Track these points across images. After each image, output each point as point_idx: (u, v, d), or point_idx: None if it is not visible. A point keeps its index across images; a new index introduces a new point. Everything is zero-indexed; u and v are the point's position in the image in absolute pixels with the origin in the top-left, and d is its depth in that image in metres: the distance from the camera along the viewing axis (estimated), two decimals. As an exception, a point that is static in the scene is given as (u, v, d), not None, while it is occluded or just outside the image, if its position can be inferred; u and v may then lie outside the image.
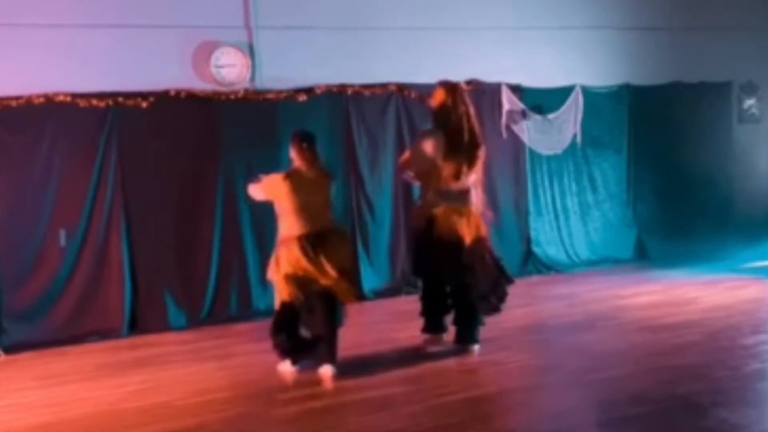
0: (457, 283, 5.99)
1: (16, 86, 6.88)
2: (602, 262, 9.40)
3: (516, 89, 8.93)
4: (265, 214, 5.81)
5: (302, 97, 7.90)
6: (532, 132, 9.03)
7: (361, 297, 8.06)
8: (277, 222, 5.68)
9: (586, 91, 9.24)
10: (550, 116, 9.07)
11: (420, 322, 6.20)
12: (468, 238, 5.93)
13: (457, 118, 5.92)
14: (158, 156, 7.39)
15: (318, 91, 7.98)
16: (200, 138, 7.54)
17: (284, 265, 5.50)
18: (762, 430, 4.20)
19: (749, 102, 10.40)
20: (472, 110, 6.04)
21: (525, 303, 7.63)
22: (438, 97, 6.03)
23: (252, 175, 5.79)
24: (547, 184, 9.24)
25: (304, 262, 5.44)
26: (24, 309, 6.99)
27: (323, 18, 8.05)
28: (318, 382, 5.46)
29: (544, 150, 9.13)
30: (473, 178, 6.02)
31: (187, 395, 5.33)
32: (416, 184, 6.35)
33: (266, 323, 5.79)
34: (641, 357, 5.63)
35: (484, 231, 6.06)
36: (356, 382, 5.40)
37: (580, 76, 9.26)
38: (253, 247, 7.63)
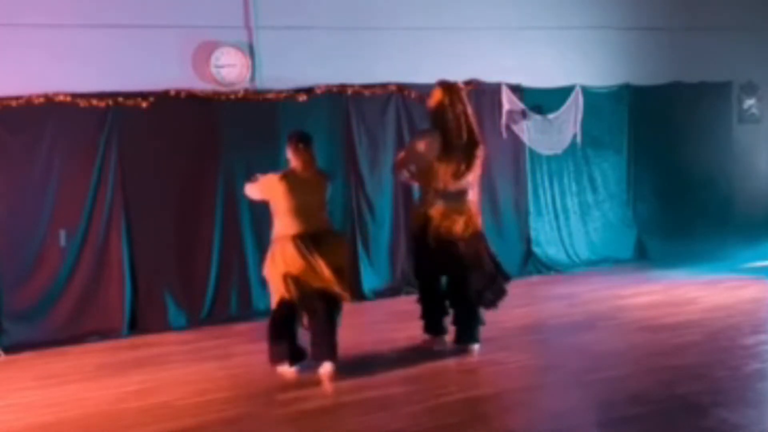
0: (455, 282, 5.99)
1: (16, 86, 6.89)
2: (602, 262, 9.40)
3: (516, 89, 8.93)
4: (265, 214, 5.80)
5: (302, 97, 7.90)
6: (532, 132, 9.03)
7: (361, 297, 8.09)
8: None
9: (586, 91, 9.25)
10: (550, 116, 9.07)
11: (419, 324, 6.19)
12: (465, 236, 5.94)
13: (454, 118, 5.92)
14: (158, 156, 7.39)
15: (318, 91, 7.98)
16: (200, 138, 7.54)
17: (280, 263, 5.51)
18: (762, 430, 4.20)
19: (749, 102, 10.40)
20: (470, 110, 6.03)
21: (525, 303, 7.64)
22: (435, 97, 6.03)
23: (251, 175, 5.80)
24: (547, 184, 9.24)
25: (299, 261, 5.44)
26: (24, 309, 7.00)
27: (323, 18, 8.05)
28: (318, 382, 5.46)
29: (544, 150, 9.13)
30: (471, 178, 6.02)
31: (187, 395, 5.33)
32: (414, 185, 6.34)
33: (266, 323, 5.79)
34: (641, 357, 5.63)
35: (479, 228, 6.06)
36: (356, 382, 5.40)
37: (580, 76, 9.26)
38: (253, 247, 7.63)
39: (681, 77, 9.80)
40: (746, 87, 10.36)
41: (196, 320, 7.49)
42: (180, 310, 7.49)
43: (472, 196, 6.07)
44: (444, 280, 6.10)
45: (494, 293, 6.03)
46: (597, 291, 8.01)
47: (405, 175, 6.22)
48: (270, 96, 7.78)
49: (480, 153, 6.02)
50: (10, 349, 6.82)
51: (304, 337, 5.70)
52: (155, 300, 7.41)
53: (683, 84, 9.81)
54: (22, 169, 6.98)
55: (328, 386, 5.38)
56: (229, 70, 7.65)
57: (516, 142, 8.99)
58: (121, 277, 7.28)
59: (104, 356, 6.61)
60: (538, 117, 9.02)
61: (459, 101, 5.97)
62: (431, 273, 6.07)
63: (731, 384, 4.98)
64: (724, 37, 9.91)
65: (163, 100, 7.37)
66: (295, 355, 5.65)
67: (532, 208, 9.13)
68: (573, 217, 9.40)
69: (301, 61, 7.94)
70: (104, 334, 7.16)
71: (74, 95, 7.07)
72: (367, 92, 8.23)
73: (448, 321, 6.14)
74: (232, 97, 7.65)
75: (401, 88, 8.33)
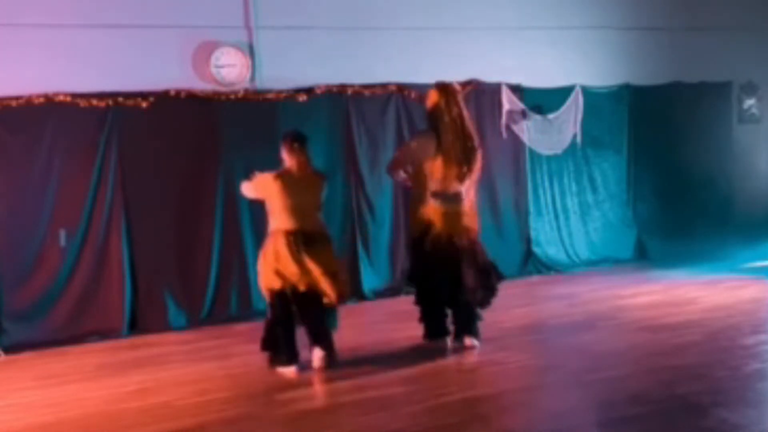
0: (452, 283, 5.98)
1: (16, 86, 6.89)
2: (602, 262, 9.40)
3: (516, 89, 8.93)
4: (264, 214, 5.81)
5: (302, 97, 7.90)
6: (532, 132, 9.03)
7: (361, 297, 8.10)
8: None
9: (586, 91, 9.25)
10: (550, 116, 9.08)
11: (419, 324, 6.18)
12: (462, 238, 5.94)
13: (450, 120, 5.92)
14: (158, 156, 7.39)
15: (318, 91, 7.98)
16: (200, 138, 7.54)
17: (271, 258, 5.54)
18: (762, 430, 4.20)
19: (749, 102, 10.40)
20: (466, 112, 6.03)
21: (525, 303, 7.64)
22: (431, 99, 6.03)
23: (251, 175, 5.81)
24: (547, 184, 9.24)
25: (287, 258, 5.47)
26: (24, 309, 6.99)
27: (323, 18, 8.05)
28: (318, 382, 5.46)
29: (544, 150, 9.13)
30: (469, 181, 6.02)
31: (187, 395, 5.33)
32: (409, 185, 6.34)
33: (263, 323, 5.82)
34: (641, 357, 5.63)
35: (476, 230, 6.07)
36: (356, 382, 5.40)
37: (580, 76, 9.26)
38: (253, 247, 7.60)
39: (681, 77, 9.81)
40: (746, 87, 10.36)
41: (196, 320, 7.50)
42: (180, 310, 7.49)
43: (469, 198, 6.07)
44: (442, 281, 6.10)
45: (488, 290, 6.06)
46: (597, 291, 8.00)
47: (401, 175, 6.22)
48: (270, 96, 7.78)
49: (478, 157, 6.03)
50: (10, 349, 6.82)
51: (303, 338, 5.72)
52: (155, 300, 7.42)
53: (683, 84, 9.81)
54: (22, 169, 6.98)
55: (327, 386, 5.38)
56: (229, 70, 7.65)
57: (516, 142, 8.99)
58: (121, 277, 7.28)
59: (104, 356, 6.60)
60: (538, 117, 9.02)
61: (455, 103, 5.98)
62: (430, 276, 6.05)
63: (731, 384, 4.98)
64: (724, 37, 9.91)
65: (163, 100, 7.37)
66: (295, 356, 5.65)
67: (532, 208, 9.13)
68: (573, 217, 9.40)
69: (301, 61, 7.94)
70: (104, 334, 7.16)
71: (74, 95, 7.08)
72: (367, 92, 8.23)
73: (448, 322, 6.15)
74: (232, 97, 7.65)
75: (401, 88, 8.33)
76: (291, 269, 5.50)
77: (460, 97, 6.07)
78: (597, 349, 5.93)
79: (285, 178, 5.57)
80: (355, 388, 5.27)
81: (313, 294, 5.58)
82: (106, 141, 7.23)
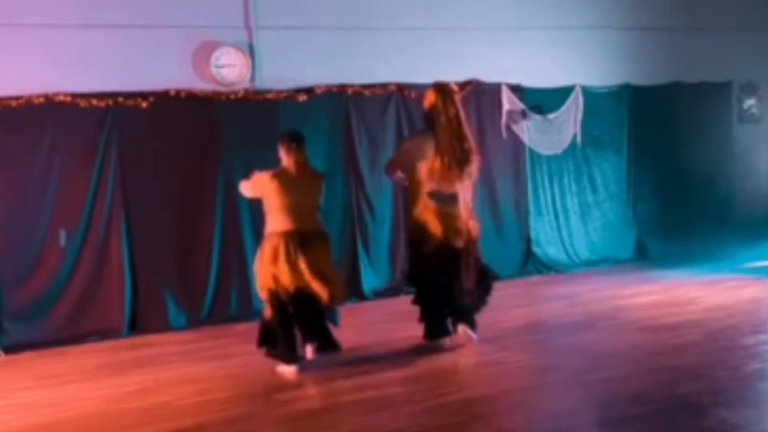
0: (450, 282, 5.98)
1: (16, 86, 6.89)
2: (602, 262, 9.40)
3: (516, 89, 8.93)
4: (264, 214, 5.82)
5: (302, 97, 7.90)
6: (532, 132, 9.03)
7: (361, 297, 8.11)
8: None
9: (586, 91, 9.25)
10: (550, 116, 9.08)
11: (419, 324, 6.18)
12: (459, 240, 5.95)
13: (447, 121, 5.93)
14: (158, 156, 7.40)
15: (318, 91, 7.98)
16: (200, 138, 7.54)
17: (268, 259, 5.55)
18: (762, 430, 4.20)
19: (749, 102, 10.40)
20: (462, 114, 6.04)
21: (525, 303, 7.65)
22: (429, 99, 6.04)
23: (250, 174, 5.82)
24: (547, 184, 9.24)
25: (283, 263, 5.48)
26: (24, 309, 7.00)
27: (323, 18, 8.05)
28: (318, 382, 5.46)
29: (544, 150, 9.13)
30: (466, 182, 6.03)
31: (187, 395, 5.33)
32: (406, 185, 6.36)
33: (260, 324, 5.83)
34: (641, 357, 5.63)
35: (475, 231, 6.08)
36: (356, 382, 5.40)
37: (580, 76, 9.26)
38: (253, 247, 7.55)
39: (681, 77, 9.81)
40: (746, 87, 10.36)
41: (196, 320, 7.50)
42: (180, 310, 7.49)
43: (466, 199, 6.08)
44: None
45: (484, 294, 6.11)
46: (597, 291, 8.00)
47: (398, 175, 6.22)
48: (270, 96, 7.78)
49: (475, 158, 6.04)
50: (10, 349, 6.82)
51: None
52: (155, 300, 7.42)
53: (683, 84, 9.81)
54: (22, 169, 6.98)
55: (327, 386, 5.38)
56: (229, 70, 7.65)
57: (516, 142, 8.99)
58: (121, 277, 7.28)
59: (104, 356, 6.61)
60: (538, 117, 9.02)
61: (452, 104, 5.98)
62: (430, 276, 6.05)
63: (731, 384, 4.98)
64: (724, 37, 9.91)
65: (163, 100, 7.37)
66: (295, 355, 5.66)
67: (532, 208, 9.13)
68: (573, 217, 9.40)
69: (301, 61, 7.94)
70: (104, 334, 7.16)
71: (74, 95, 7.08)
72: (367, 92, 8.23)
73: (448, 322, 6.15)
74: (232, 97, 7.65)
75: (401, 88, 8.33)
76: (285, 275, 5.51)
77: (457, 98, 6.08)
78: (597, 349, 5.93)
79: (282, 178, 5.58)
80: (355, 388, 5.27)
81: (309, 296, 5.57)
82: (106, 141, 7.23)
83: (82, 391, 5.61)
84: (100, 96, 7.17)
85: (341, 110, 8.14)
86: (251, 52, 7.79)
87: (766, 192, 10.44)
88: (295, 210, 5.55)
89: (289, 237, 5.52)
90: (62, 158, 7.10)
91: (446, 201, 5.96)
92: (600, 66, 9.42)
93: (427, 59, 8.27)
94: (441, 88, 6.05)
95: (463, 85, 8.56)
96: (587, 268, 9.23)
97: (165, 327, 7.34)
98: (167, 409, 5.09)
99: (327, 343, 5.71)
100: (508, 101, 8.86)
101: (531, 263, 9.10)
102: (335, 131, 8.13)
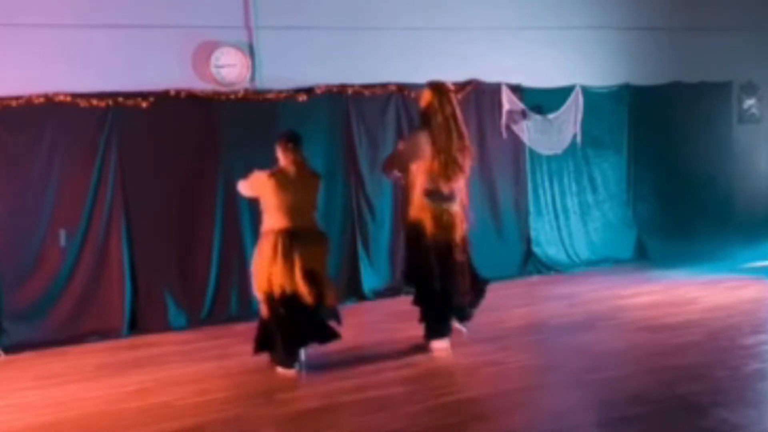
0: (449, 280, 5.99)
1: (16, 86, 6.89)
2: (602, 262, 9.40)
3: (516, 89, 8.93)
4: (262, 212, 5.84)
5: (302, 97, 7.90)
6: (532, 132, 9.03)
7: (361, 297, 8.11)
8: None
9: (586, 91, 9.25)
10: (550, 116, 9.08)
11: (419, 324, 6.18)
12: (456, 238, 5.96)
13: (444, 120, 5.94)
14: (158, 156, 7.40)
15: (318, 91, 7.98)
16: (200, 138, 7.54)
17: (265, 257, 5.59)
18: (762, 430, 4.20)
19: (749, 102, 10.40)
20: (459, 112, 6.05)
21: (525, 303, 7.65)
22: (425, 98, 6.05)
23: (250, 174, 5.83)
24: (547, 184, 9.23)
25: (280, 262, 5.50)
26: (24, 309, 6.99)
27: (323, 18, 8.05)
28: (318, 382, 5.46)
29: (544, 150, 9.13)
30: (462, 181, 6.04)
31: (187, 395, 5.34)
32: (403, 184, 6.37)
33: (258, 324, 5.83)
34: (641, 357, 5.63)
35: (466, 231, 6.09)
36: (356, 382, 5.40)
37: (580, 76, 9.26)
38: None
39: (681, 77, 9.80)
40: (746, 87, 10.36)
41: (196, 320, 7.50)
42: (180, 310, 7.49)
43: (461, 197, 6.08)
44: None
45: (478, 293, 6.12)
46: (597, 291, 8.01)
47: (395, 174, 6.23)
48: (270, 96, 7.78)
49: (470, 155, 6.05)
50: (10, 349, 6.82)
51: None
52: (155, 300, 7.42)
53: (683, 84, 9.81)
54: (22, 169, 6.97)
55: (327, 386, 5.37)
56: (229, 70, 7.65)
57: (516, 142, 8.99)
58: (121, 277, 7.28)
59: (104, 356, 6.61)
60: (538, 117, 9.02)
61: (448, 103, 5.99)
62: (429, 276, 6.05)
63: (731, 384, 4.98)
64: (724, 37, 9.91)
65: (163, 100, 7.37)
66: (294, 356, 5.66)
67: (532, 208, 9.13)
68: (573, 217, 9.40)
69: (301, 61, 7.94)
70: (104, 334, 7.16)
71: (74, 95, 7.08)
72: (367, 92, 8.23)
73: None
74: (232, 97, 7.65)
75: (401, 88, 8.32)
76: (280, 275, 5.53)
77: (453, 96, 6.09)
78: (597, 349, 5.93)
79: (279, 177, 5.61)
80: (355, 388, 5.27)
81: (298, 301, 5.59)
82: (106, 141, 7.23)
83: (82, 391, 5.61)
84: (100, 96, 7.17)
85: (341, 110, 8.14)
86: (251, 52, 7.79)
87: (766, 192, 10.44)
88: (292, 209, 5.59)
89: (285, 234, 5.55)
90: (62, 158, 7.10)
91: (444, 199, 5.97)
92: (600, 66, 9.42)
93: (427, 59, 8.27)
94: (437, 87, 6.06)
95: (463, 85, 8.57)
96: (587, 268, 9.23)
97: (165, 327, 7.34)
98: (167, 409, 5.09)
99: (326, 337, 5.73)
100: (508, 101, 8.86)
101: (531, 263, 9.10)
102: (335, 131, 8.13)
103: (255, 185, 5.73)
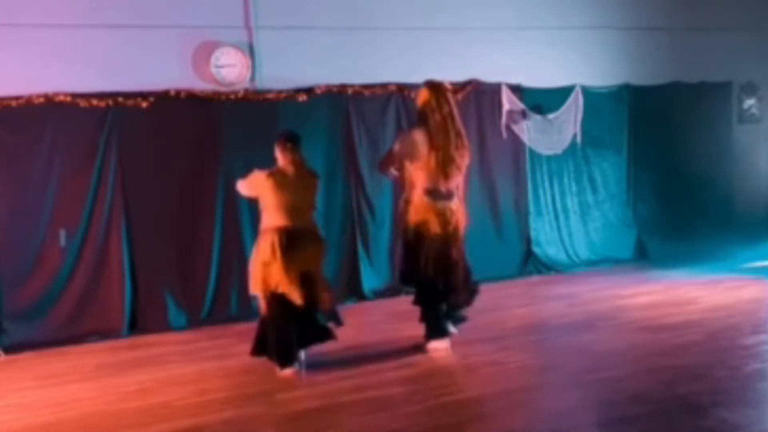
0: (448, 278, 6.00)
1: (16, 86, 6.89)
2: (602, 262, 9.39)
3: (516, 89, 8.93)
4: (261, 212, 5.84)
5: (302, 97, 7.90)
6: (532, 132, 9.03)
7: (361, 297, 8.11)
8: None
9: (586, 91, 9.25)
10: (550, 116, 9.08)
11: (419, 324, 6.17)
12: (459, 235, 5.97)
13: (441, 118, 5.94)
14: (158, 156, 7.40)
15: (318, 91, 7.98)
16: (200, 138, 7.54)
17: (264, 256, 5.60)
18: (762, 430, 4.20)
19: (749, 102, 10.40)
20: (456, 111, 6.05)
21: (525, 303, 7.65)
22: (422, 97, 6.05)
23: (250, 173, 5.84)
24: (547, 184, 9.23)
25: (278, 257, 5.51)
26: (24, 309, 6.99)
27: (323, 18, 8.05)
28: (318, 382, 5.46)
29: (544, 150, 9.13)
30: (459, 180, 6.04)
31: (187, 395, 5.34)
32: (400, 182, 6.37)
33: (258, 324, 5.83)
34: (641, 357, 5.63)
35: (463, 230, 6.10)
36: (356, 382, 5.40)
37: (580, 76, 9.26)
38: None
39: (681, 77, 9.80)
40: (746, 87, 10.36)
41: (196, 320, 7.50)
42: (180, 310, 7.49)
43: (459, 195, 6.09)
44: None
45: (472, 292, 6.13)
46: (597, 291, 8.00)
47: (392, 172, 6.22)
48: (270, 96, 7.78)
49: (467, 154, 6.05)
50: (10, 349, 6.82)
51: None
52: (155, 300, 7.42)
53: (683, 84, 9.81)
54: (22, 169, 6.98)
55: (327, 386, 5.37)
56: (229, 70, 7.65)
57: (516, 142, 8.99)
58: (121, 277, 7.28)
59: (104, 356, 6.61)
60: (538, 117, 9.02)
61: (446, 102, 5.99)
62: (430, 275, 6.05)
63: (731, 384, 4.98)
64: (724, 37, 9.91)
65: (163, 100, 7.37)
66: (293, 356, 5.67)
67: (532, 208, 9.12)
68: (573, 217, 9.40)
69: (301, 61, 7.94)
70: (104, 334, 7.16)
71: (74, 95, 7.08)
72: (367, 92, 8.23)
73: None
74: (232, 97, 7.65)
75: (401, 88, 8.32)
76: (276, 275, 5.55)
77: (450, 95, 6.10)
78: (597, 349, 5.93)
79: (277, 177, 5.63)
80: (355, 388, 5.27)
81: (290, 303, 5.60)
82: (106, 141, 7.23)
83: (82, 391, 5.61)
84: (100, 96, 7.17)
85: (341, 110, 8.14)
86: (251, 52, 7.79)
87: (766, 192, 10.44)
88: (290, 209, 5.60)
89: (283, 232, 5.56)
90: (62, 158, 7.10)
91: (443, 198, 5.97)
92: (600, 66, 9.42)
93: (427, 59, 8.26)
94: (435, 86, 6.06)
95: (463, 85, 8.57)
96: (587, 268, 9.23)
97: (165, 327, 7.34)
98: (167, 409, 5.09)
99: (321, 337, 5.74)
100: (508, 101, 8.86)
101: (531, 263, 9.10)
102: (335, 131, 8.13)
103: (253, 185, 5.75)
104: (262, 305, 5.74)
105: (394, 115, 8.37)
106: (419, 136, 5.93)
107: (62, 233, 7.11)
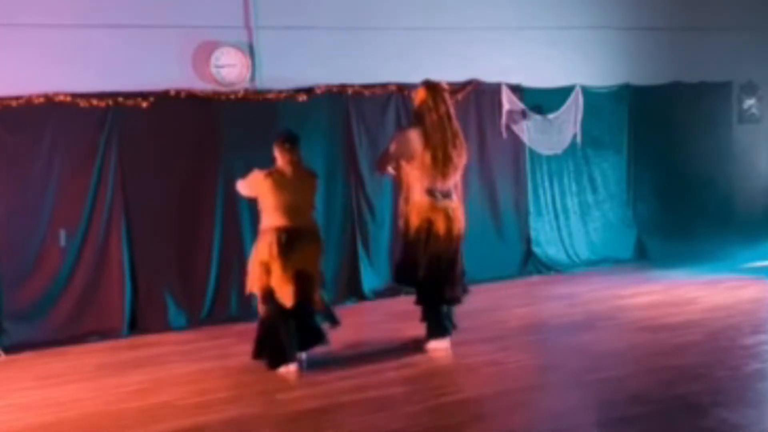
0: (447, 277, 6.00)
1: (16, 86, 6.89)
2: (602, 262, 9.39)
3: (516, 89, 8.93)
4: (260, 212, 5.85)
5: (302, 97, 7.90)
6: (532, 132, 9.03)
7: (361, 297, 8.11)
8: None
9: (586, 91, 9.25)
10: (550, 116, 9.08)
11: (419, 324, 6.18)
12: (457, 234, 5.97)
13: (438, 118, 5.94)
14: (158, 156, 7.40)
15: (318, 91, 7.98)
16: (200, 138, 7.54)
17: (260, 260, 5.62)
18: (762, 430, 4.20)
19: (749, 102, 10.40)
20: (453, 111, 6.06)
21: (525, 303, 7.65)
22: (419, 97, 6.06)
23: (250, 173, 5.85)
24: (547, 184, 9.24)
25: (276, 257, 5.52)
26: (24, 309, 6.99)
27: (323, 18, 8.05)
28: (318, 382, 5.46)
29: (544, 150, 9.13)
30: (457, 179, 6.05)
31: (187, 395, 5.33)
32: (397, 181, 6.38)
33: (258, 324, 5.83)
34: (641, 357, 5.63)
35: (463, 229, 6.10)
36: (356, 382, 5.40)
37: (580, 76, 9.26)
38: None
39: (681, 77, 9.80)
40: (746, 87, 10.36)
41: (196, 320, 7.50)
42: (180, 310, 7.49)
43: (457, 194, 6.10)
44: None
45: (465, 289, 6.16)
46: (597, 291, 8.00)
47: (389, 172, 6.23)
48: (270, 96, 7.78)
49: (464, 153, 6.06)
50: (10, 349, 6.82)
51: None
52: (155, 300, 7.42)
53: (683, 84, 9.81)
54: (22, 169, 6.98)
55: (327, 386, 5.37)
56: (229, 70, 7.65)
57: (516, 142, 8.99)
58: (121, 277, 7.28)
59: (104, 356, 6.60)
60: (538, 117, 9.02)
61: (442, 101, 6.00)
62: (430, 275, 6.04)
63: (731, 384, 4.98)
64: (724, 37, 9.91)
65: (163, 100, 7.37)
66: (292, 355, 5.67)
67: (532, 208, 9.13)
68: (573, 217, 9.40)
69: (301, 61, 7.94)
70: (104, 334, 7.16)
71: (74, 95, 7.08)
72: (367, 92, 8.23)
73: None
74: (232, 97, 7.65)
75: (401, 88, 8.32)
76: (273, 276, 5.56)
77: (447, 95, 6.10)
78: (597, 349, 5.93)
79: (276, 177, 5.64)
80: (355, 388, 5.27)
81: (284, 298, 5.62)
82: (106, 141, 7.23)
83: (82, 391, 5.61)
84: (100, 96, 7.17)
85: (341, 110, 8.14)
86: (251, 52, 7.79)
87: (766, 192, 10.44)
88: (289, 208, 5.61)
89: (283, 232, 5.57)
90: (62, 158, 7.10)
91: (442, 197, 5.97)
92: (600, 66, 9.42)
93: (427, 59, 8.26)
94: (432, 86, 6.07)
95: (463, 85, 8.57)
96: (587, 268, 9.23)
97: (165, 327, 7.34)
98: (167, 409, 5.09)
99: (318, 339, 5.76)
100: (508, 101, 8.86)
101: (531, 263, 9.10)
102: (335, 131, 8.13)
103: (252, 185, 5.76)
104: (259, 304, 5.74)
105: (394, 115, 8.37)
106: (414, 136, 5.94)
107: (62, 233, 7.11)
